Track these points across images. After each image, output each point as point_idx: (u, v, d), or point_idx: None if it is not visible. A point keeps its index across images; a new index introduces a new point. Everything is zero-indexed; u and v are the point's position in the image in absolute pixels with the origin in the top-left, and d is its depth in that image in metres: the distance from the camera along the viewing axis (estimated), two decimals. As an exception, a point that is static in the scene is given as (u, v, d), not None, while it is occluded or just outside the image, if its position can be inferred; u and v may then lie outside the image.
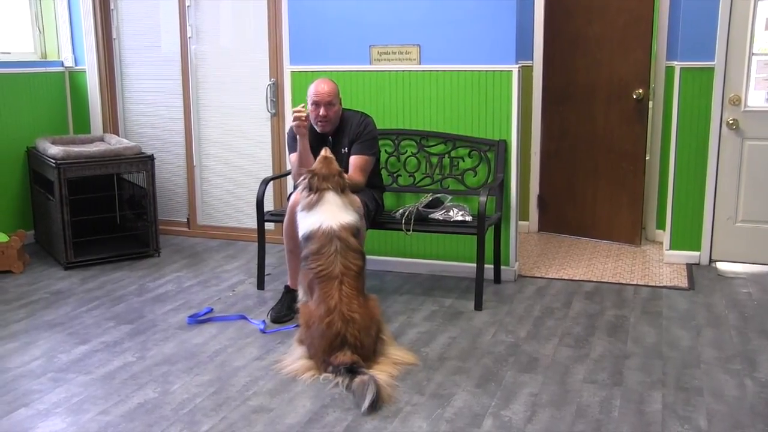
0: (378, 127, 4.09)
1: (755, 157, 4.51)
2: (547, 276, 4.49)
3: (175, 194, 5.58)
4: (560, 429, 2.68)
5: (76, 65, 5.48)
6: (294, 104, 4.44)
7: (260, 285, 4.28)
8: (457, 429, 2.68)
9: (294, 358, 3.23)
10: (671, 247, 4.74)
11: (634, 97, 4.99)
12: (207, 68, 5.32)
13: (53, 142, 4.97)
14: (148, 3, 5.36)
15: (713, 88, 4.47)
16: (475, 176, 4.33)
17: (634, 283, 4.35)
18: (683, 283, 4.34)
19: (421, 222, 4.04)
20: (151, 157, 4.88)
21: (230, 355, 3.34)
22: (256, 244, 4.34)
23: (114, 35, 5.49)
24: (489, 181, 4.26)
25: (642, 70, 4.97)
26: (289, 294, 3.81)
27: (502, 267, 4.36)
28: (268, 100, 5.14)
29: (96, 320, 3.79)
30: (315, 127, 3.86)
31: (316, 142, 3.83)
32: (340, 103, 3.92)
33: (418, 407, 2.84)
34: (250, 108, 5.23)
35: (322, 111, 3.80)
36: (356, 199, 3.59)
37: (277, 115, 5.16)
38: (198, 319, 3.76)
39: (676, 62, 4.60)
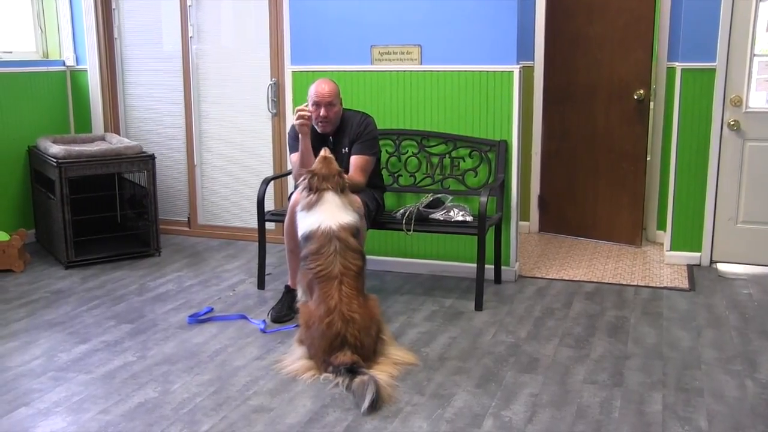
0: (379, 127, 4.09)
1: (756, 158, 4.51)
2: (547, 276, 4.49)
3: (176, 194, 5.58)
4: (560, 429, 2.68)
5: (77, 64, 5.49)
6: (295, 104, 4.45)
7: (261, 285, 4.28)
8: (458, 429, 2.68)
9: (294, 358, 3.23)
10: (672, 248, 4.74)
11: (635, 97, 4.99)
12: (208, 68, 5.32)
13: (54, 141, 4.97)
14: (149, 2, 5.36)
15: (714, 89, 4.47)
16: (475, 176, 4.33)
17: (635, 283, 4.35)
18: (684, 283, 4.34)
19: (422, 222, 4.04)
20: (152, 157, 4.88)
21: (230, 355, 3.34)
22: (257, 243, 4.34)
23: (115, 35, 5.49)
24: (490, 182, 4.26)
25: (643, 71, 4.96)
26: (290, 294, 3.81)
27: (503, 267, 4.36)
28: (269, 99, 5.14)
29: (96, 319, 3.80)
30: (315, 127, 3.86)
31: (317, 142, 3.83)
32: (341, 104, 3.92)
33: (418, 407, 2.84)
34: (251, 108, 5.23)
35: (322, 111, 3.80)
36: (356, 199, 3.59)
37: (278, 114, 5.16)
38: (198, 319, 3.76)
39: (677, 63, 4.59)
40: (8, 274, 4.54)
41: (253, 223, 4.88)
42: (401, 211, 4.11)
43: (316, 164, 3.47)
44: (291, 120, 3.81)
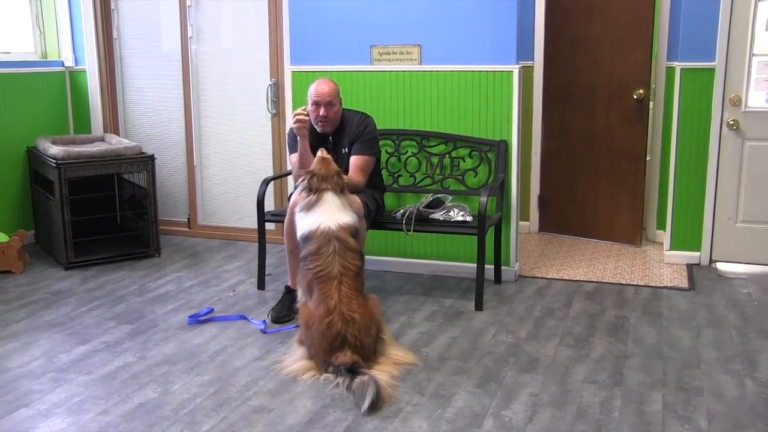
0: (378, 127, 4.09)
1: (755, 157, 4.51)
2: (547, 276, 4.49)
3: (176, 194, 5.58)
4: (561, 429, 2.68)
5: (76, 65, 5.48)
6: (295, 105, 4.46)
7: (261, 285, 4.28)
8: (458, 429, 2.68)
9: (294, 358, 3.23)
10: (671, 248, 4.74)
11: (635, 97, 4.99)
12: (207, 68, 5.32)
13: (53, 142, 4.97)
14: (148, 3, 5.36)
15: (714, 89, 4.47)
16: (475, 176, 4.33)
17: (635, 283, 4.35)
18: (683, 283, 4.34)
19: (422, 222, 4.04)
20: (152, 157, 4.88)
21: (231, 355, 3.34)
22: (257, 244, 4.34)
23: (114, 35, 5.49)
24: (489, 182, 4.26)
25: (642, 71, 4.97)
26: (290, 294, 3.81)
27: (503, 267, 4.36)
28: (269, 100, 5.14)
29: (96, 320, 3.79)
30: (315, 126, 3.86)
31: (317, 142, 3.83)
32: (341, 103, 3.92)
33: (418, 407, 2.84)
34: (251, 108, 5.23)
35: (322, 111, 3.80)
36: (356, 199, 3.60)
37: (277, 115, 5.16)
38: (198, 319, 3.76)
39: (676, 63, 4.60)
40: (8, 275, 4.54)
41: (253, 224, 4.88)
42: (401, 211, 4.11)
43: (314, 165, 3.47)
44: (291, 121, 3.81)
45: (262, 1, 5.05)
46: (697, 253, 4.69)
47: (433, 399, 2.91)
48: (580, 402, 2.88)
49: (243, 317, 3.80)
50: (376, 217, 3.98)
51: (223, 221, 5.47)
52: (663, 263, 4.74)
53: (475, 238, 3.91)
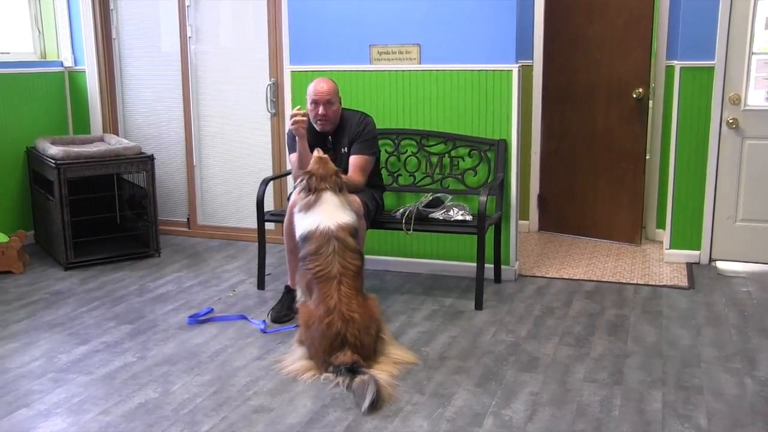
0: (378, 126, 4.09)
1: (755, 156, 4.51)
2: (547, 275, 4.49)
3: (175, 194, 5.58)
4: (561, 428, 2.68)
5: (75, 65, 5.48)
6: (294, 105, 4.45)
7: (260, 285, 4.28)
8: (458, 428, 2.68)
9: (294, 358, 3.23)
10: (671, 247, 4.74)
11: (634, 96, 4.99)
12: (207, 68, 5.32)
13: (53, 143, 4.97)
14: (147, 3, 5.36)
15: (713, 88, 4.47)
16: (475, 176, 4.33)
17: (634, 282, 4.35)
18: (683, 282, 4.34)
19: (422, 221, 4.04)
20: (151, 157, 4.88)
21: (231, 355, 3.34)
22: (257, 244, 4.34)
23: (113, 35, 5.49)
24: (489, 181, 4.26)
25: (642, 70, 4.97)
26: (290, 294, 3.81)
27: (503, 266, 4.36)
28: (268, 100, 5.14)
29: (96, 320, 3.79)
30: (314, 125, 3.86)
31: (316, 141, 3.83)
32: (340, 102, 3.92)
33: (418, 407, 2.84)
34: (250, 108, 5.23)
35: (321, 110, 3.80)
36: (355, 198, 3.60)
37: (277, 115, 5.16)
38: (198, 319, 3.76)
39: (676, 61, 4.60)
40: (7, 276, 4.54)
41: (253, 224, 4.88)
42: (401, 210, 4.11)
43: (312, 165, 3.47)
44: (289, 122, 3.81)
45: (261, 1, 5.05)
46: (697, 252, 4.69)
47: (433, 398, 2.91)
48: (580, 401, 2.88)
49: (243, 317, 3.80)
50: (375, 216, 3.98)
51: (223, 221, 5.47)
52: (663, 262, 4.74)
53: (475, 237, 3.91)
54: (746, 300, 4.04)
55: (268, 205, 4.78)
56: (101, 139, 5.28)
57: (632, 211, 5.14)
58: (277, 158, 5.20)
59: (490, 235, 4.20)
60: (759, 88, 4.50)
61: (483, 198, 3.85)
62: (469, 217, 4.03)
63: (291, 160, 3.93)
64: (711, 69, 4.46)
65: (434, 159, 4.39)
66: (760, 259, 4.59)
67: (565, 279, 4.43)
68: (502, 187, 4.28)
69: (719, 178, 4.57)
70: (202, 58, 5.31)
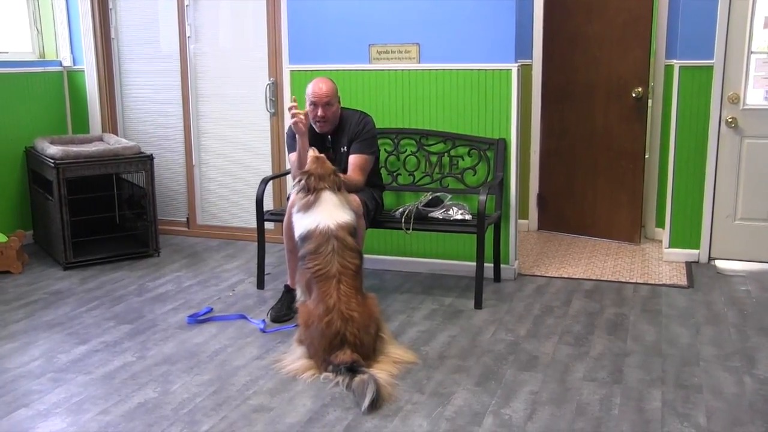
0: (377, 126, 4.09)
1: (754, 155, 4.51)
2: (546, 274, 4.49)
3: (175, 194, 5.57)
4: (560, 427, 2.68)
5: (74, 65, 5.48)
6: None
7: (260, 284, 4.28)
8: (458, 427, 2.68)
9: (294, 357, 3.23)
10: (670, 245, 4.75)
11: (634, 95, 4.99)
12: (206, 68, 5.31)
13: (52, 142, 4.96)
14: (146, 2, 5.35)
15: (712, 87, 4.48)
16: (474, 175, 4.33)
17: (634, 281, 4.35)
18: (682, 281, 4.34)
19: (421, 221, 4.04)
20: (151, 157, 4.88)
21: (230, 355, 3.34)
22: (256, 243, 4.34)
23: (112, 35, 5.49)
24: (488, 180, 4.26)
25: (641, 69, 4.97)
26: (289, 293, 3.81)
27: (502, 265, 4.36)
28: (268, 99, 5.14)
29: (96, 320, 3.79)
30: (314, 126, 3.86)
31: (315, 141, 3.82)
32: (339, 103, 3.92)
33: (418, 406, 2.84)
34: (250, 107, 5.22)
35: (320, 111, 3.79)
36: (355, 198, 3.60)
37: (276, 114, 5.15)
38: (198, 319, 3.76)
39: (675, 60, 4.60)
40: (7, 276, 4.54)
41: (252, 223, 4.88)
42: (400, 209, 4.11)
43: (309, 164, 3.47)
44: (289, 119, 3.81)
45: (260, 1, 5.05)
46: (696, 251, 4.69)
47: (433, 397, 2.91)
48: (579, 400, 2.88)
49: (242, 317, 3.80)
50: (375, 215, 3.98)
51: (222, 221, 5.47)
52: (662, 261, 4.74)
53: (475, 236, 3.91)
54: (745, 299, 4.04)
55: (268, 205, 4.77)
56: (100, 139, 5.28)
57: (631, 210, 5.14)
58: (277, 157, 5.20)
59: (489, 235, 4.21)
60: (758, 87, 4.50)
61: (482, 197, 3.86)
62: (468, 217, 4.03)
63: (290, 159, 3.93)
64: (710, 68, 4.46)
65: (434, 158, 4.39)
66: (759, 258, 4.60)
67: (564, 278, 4.43)
68: (502, 186, 4.28)
69: (718, 177, 4.58)
70: (201, 57, 5.31)
